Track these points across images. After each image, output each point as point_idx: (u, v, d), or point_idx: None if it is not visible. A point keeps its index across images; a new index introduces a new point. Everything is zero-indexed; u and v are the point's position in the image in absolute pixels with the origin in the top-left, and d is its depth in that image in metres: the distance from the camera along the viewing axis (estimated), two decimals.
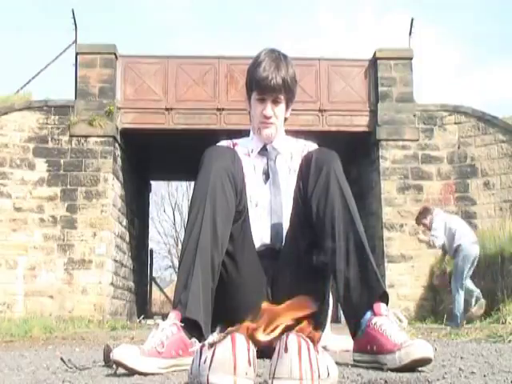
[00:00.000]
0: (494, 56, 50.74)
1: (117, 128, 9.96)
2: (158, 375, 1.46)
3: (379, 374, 1.45)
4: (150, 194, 14.95)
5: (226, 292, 1.80)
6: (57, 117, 9.84)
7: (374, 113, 10.26)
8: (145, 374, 1.43)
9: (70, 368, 1.66)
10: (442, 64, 44.32)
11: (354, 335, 1.73)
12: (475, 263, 7.00)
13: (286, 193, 2.01)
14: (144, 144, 10.99)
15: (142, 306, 12.97)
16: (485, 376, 1.32)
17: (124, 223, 10.78)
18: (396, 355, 1.50)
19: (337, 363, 1.21)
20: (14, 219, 9.37)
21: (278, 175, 2.06)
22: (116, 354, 1.43)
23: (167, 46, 46.30)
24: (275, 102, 2.03)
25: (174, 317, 1.58)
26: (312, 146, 2.16)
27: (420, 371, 1.47)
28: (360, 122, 10.33)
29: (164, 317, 1.97)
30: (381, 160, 10.05)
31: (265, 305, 1.15)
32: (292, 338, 1.09)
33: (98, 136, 9.79)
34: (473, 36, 51.96)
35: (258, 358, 1.18)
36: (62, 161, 9.72)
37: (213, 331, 1.69)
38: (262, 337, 1.12)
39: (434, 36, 45.89)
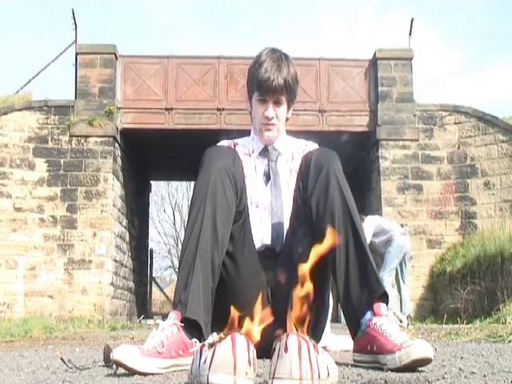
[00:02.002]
0: (494, 56, 50.76)
1: (117, 128, 9.96)
2: (158, 375, 1.46)
3: (379, 373, 1.45)
4: (150, 194, 14.95)
5: (226, 292, 1.80)
6: (57, 117, 9.84)
7: (374, 113, 10.26)
8: (145, 374, 1.43)
9: (70, 368, 1.66)
10: (442, 64, 44.35)
11: (354, 335, 1.73)
12: (407, 259, 7.65)
13: (286, 194, 2.00)
14: (144, 144, 10.99)
15: (142, 306, 12.97)
16: (485, 376, 1.32)
17: (124, 223, 10.78)
18: (396, 355, 1.50)
19: (337, 363, 1.21)
20: (14, 219, 9.37)
21: (278, 176, 2.06)
22: (116, 354, 1.43)
23: (167, 45, 46.34)
24: (277, 102, 2.02)
25: (174, 317, 1.58)
26: (313, 146, 2.16)
27: (420, 371, 1.47)
28: (360, 122, 10.33)
29: (164, 317, 1.97)
30: (381, 160, 10.05)
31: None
32: (292, 337, 1.09)
33: (98, 136, 9.79)
34: (473, 36, 51.98)
35: (258, 357, 1.18)
36: (62, 161, 9.72)
37: (213, 331, 1.69)
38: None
39: (434, 36, 45.91)
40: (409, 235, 8.14)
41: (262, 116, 2.03)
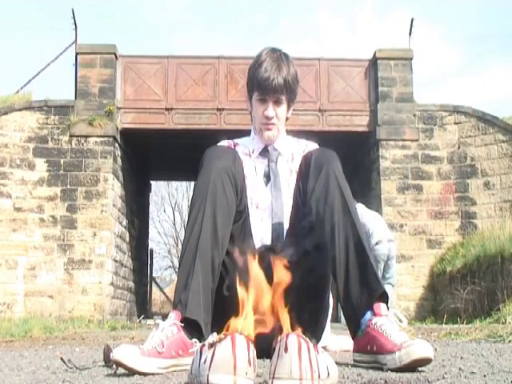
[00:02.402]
0: (494, 56, 50.76)
1: (117, 128, 9.96)
2: (158, 375, 1.46)
3: (379, 373, 1.45)
4: (150, 194, 14.95)
5: (226, 292, 1.80)
6: (57, 117, 9.84)
7: (373, 113, 10.26)
8: (145, 374, 1.43)
9: (70, 368, 1.66)
10: (442, 64, 44.36)
11: (354, 335, 1.73)
12: (392, 263, 7.05)
13: (286, 194, 2.00)
14: (144, 144, 10.99)
15: (142, 306, 12.97)
16: (485, 376, 1.32)
17: (124, 223, 10.78)
18: (396, 355, 1.50)
19: (337, 363, 1.21)
20: (14, 219, 9.37)
21: (279, 177, 2.05)
22: (116, 354, 1.43)
23: (167, 45, 46.35)
24: (277, 102, 2.02)
25: (174, 317, 1.58)
26: (313, 146, 2.16)
27: (420, 371, 1.47)
28: (360, 122, 10.33)
29: (164, 317, 1.97)
30: (381, 160, 10.05)
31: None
32: (292, 338, 1.09)
33: (98, 136, 9.78)
34: (473, 36, 51.98)
35: (258, 357, 1.18)
36: (62, 161, 9.72)
37: (213, 331, 1.69)
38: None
39: (435, 35, 45.92)
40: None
41: (261, 115, 2.03)
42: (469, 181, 9.97)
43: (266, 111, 2.02)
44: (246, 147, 2.12)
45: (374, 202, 10.37)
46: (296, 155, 2.11)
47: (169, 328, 1.55)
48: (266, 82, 1.97)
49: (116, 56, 10.15)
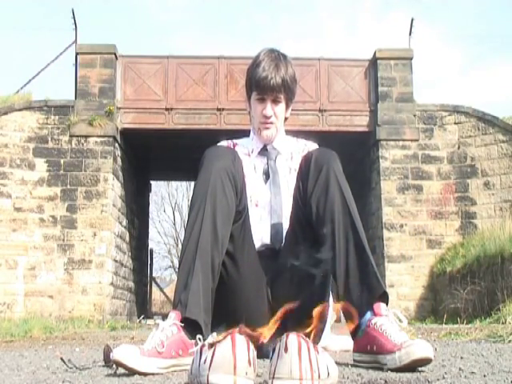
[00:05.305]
0: (494, 56, 50.75)
1: (117, 128, 9.96)
2: (158, 375, 1.46)
3: (379, 373, 1.45)
4: (150, 194, 14.95)
5: (227, 292, 1.80)
6: (57, 117, 9.84)
7: (373, 113, 10.26)
8: (145, 374, 1.43)
9: (70, 368, 1.66)
10: (442, 64, 44.37)
11: (354, 335, 1.73)
12: None
13: (286, 192, 2.01)
14: (144, 144, 10.99)
15: (142, 306, 12.97)
16: (485, 376, 1.32)
17: (124, 223, 10.78)
18: (396, 355, 1.50)
19: (337, 363, 1.21)
20: (14, 219, 9.37)
21: (278, 175, 2.06)
22: (116, 354, 1.43)
23: (167, 45, 46.32)
24: (275, 101, 2.03)
25: (174, 317, 1.58)
26: (312, 145, 2.16)
27: (420, 371, 1.47)
28: (360, 122, 10.33)
29: (164, 317, 1.97)
30: (381, 160, 10.05)
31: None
32: (292, 337, 1.09)
33: (98, 136, 9.78)
34: (473, 36, 51.95)
35: (257, 357, 1.18)
36: (62, 161, 9.72)
37: (213, 331, 1.69)
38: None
39: (435, 36, 45.92)
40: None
41: (260, 114, 2.04)
42: (469, 181, 9.97)
43: (264, 110, 2.02)
44: (245, 147, 2.12)
45: (374, 202, 10.37)
46: (295, 154, 2.11)
47: (169, 328, 1.55)
48: (264, 80, 1.97)
49: (116, 56, 10.15)
